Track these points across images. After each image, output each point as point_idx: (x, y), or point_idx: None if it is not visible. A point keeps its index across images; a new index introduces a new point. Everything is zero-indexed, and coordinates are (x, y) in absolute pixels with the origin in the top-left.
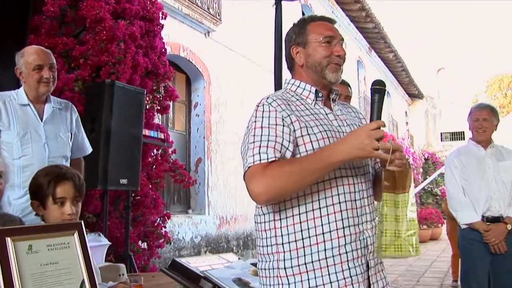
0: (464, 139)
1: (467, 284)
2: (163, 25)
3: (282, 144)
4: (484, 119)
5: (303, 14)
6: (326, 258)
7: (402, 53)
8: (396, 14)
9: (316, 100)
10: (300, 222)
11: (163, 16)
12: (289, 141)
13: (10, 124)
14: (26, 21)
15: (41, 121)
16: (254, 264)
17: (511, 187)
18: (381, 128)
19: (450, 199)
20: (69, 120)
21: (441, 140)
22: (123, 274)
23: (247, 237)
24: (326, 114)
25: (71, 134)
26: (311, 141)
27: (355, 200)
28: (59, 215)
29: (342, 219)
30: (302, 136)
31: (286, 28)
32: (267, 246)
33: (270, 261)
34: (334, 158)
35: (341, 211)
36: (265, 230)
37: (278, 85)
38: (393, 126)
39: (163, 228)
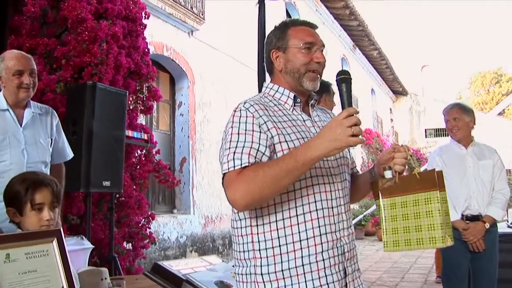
0: (448, 135)
1: (448, 279)
2: (146, 25)
3: (258, 150)
4: (454, 118)
5: (287, 12)
6: (303, 265)
7: (386, 50)
8: (380, 11)
9: (294, 106)
10: (277, 229)
11: (146, 16)
12: (266, 146)
13: None
14: (5, 22)
15: (20, 126)
16: None
17: (490, 186)
18: (354, 115)
19: None
20: (49, 125)
21: (426, 137)
22: (105, 278)
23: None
24: (304, 121)
25: (51, 139)
26: (289, 148)
27: (332, 208)
28: (37, 222)
29: (319, 226)
30: (280, 142)
31: (269, 26)
32: (243, 251)
33: (247, 266)
34: (310, 155)
35: (318, 218)
36: (241, 236)
37: (261, 84)
38: (378, 123)
39: (148, 229)
